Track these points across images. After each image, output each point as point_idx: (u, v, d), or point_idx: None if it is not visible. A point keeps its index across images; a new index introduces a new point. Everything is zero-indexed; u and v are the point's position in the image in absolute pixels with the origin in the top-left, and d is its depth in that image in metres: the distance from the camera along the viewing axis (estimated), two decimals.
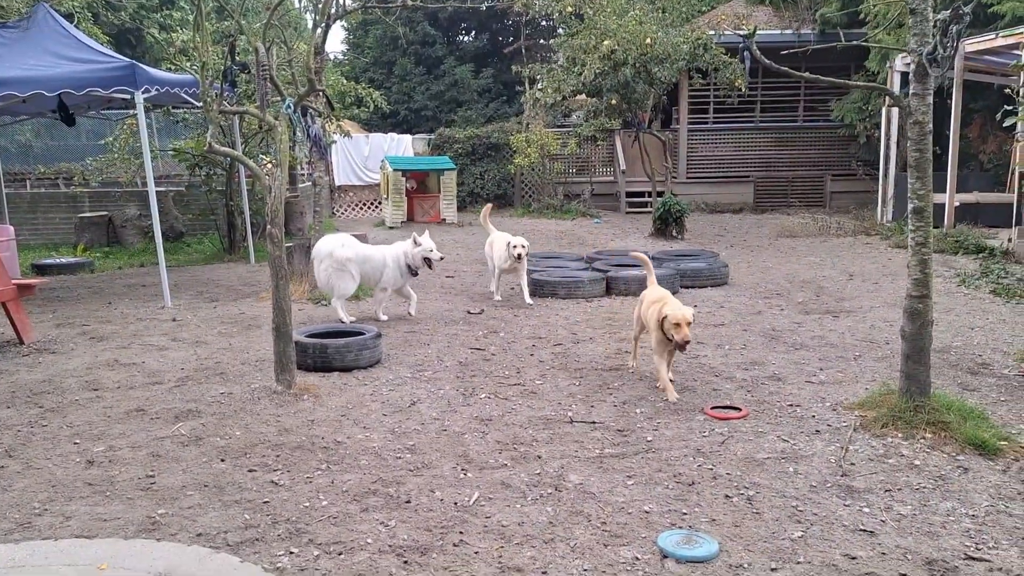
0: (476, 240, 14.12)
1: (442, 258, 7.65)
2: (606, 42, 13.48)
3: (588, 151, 19.67)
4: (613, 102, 14.60)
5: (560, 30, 18.96)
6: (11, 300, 6.87)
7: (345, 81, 15.80)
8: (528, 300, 8.57)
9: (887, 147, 14.81)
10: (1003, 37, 11.29)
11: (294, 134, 7.93)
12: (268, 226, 5.23)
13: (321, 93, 8.19)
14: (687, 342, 5.00)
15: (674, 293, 8.93)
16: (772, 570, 3.12)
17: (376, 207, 19.77)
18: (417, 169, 17.50)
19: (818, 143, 19.69)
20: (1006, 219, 11.52)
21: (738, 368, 5.98)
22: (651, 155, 15.42)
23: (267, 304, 5.92)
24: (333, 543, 3.36)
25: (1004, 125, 5.54)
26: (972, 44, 12.01)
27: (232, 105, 8.58)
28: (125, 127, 13.60)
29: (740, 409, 4.98)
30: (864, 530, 3.44)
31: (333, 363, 5.96)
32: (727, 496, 3.81)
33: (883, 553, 3.24)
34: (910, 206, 4.48)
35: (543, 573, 3.14)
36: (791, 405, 5.10)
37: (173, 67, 11.91)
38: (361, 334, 6.25)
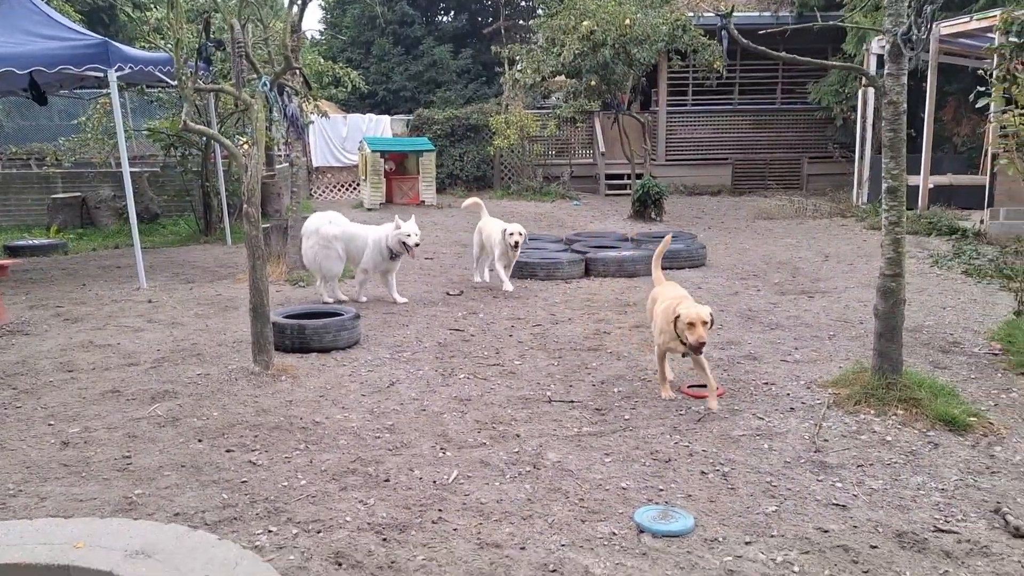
0: (456, 223, 14.09)
1: (417, 244, 7.48)
2: (585, 23, 13.44)
3: (568, 133, 19.64)
4: (592, 83, 14.58)
5: (539, 10, 18.89)
6: None
7: (322, 61, 15.59)
8: (508, 287, 8.31)
9: (863, 129, 14.93)
10: (977, 20, 11.40)
11: (270, 113, 7.85)
12: (244, 206, 5.19)
13: (298, 71, 8.09)
14: (702, 344, 4.56)
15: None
16: (746, 543, 3.18)
17: (354, 189, 19.63)
18: (396, 150, 17.38)
19: (795, 126, 19.82)
20: (979, 201, 11.68)
21: (715, 348, 6.03)
22: (630, 137, 15.44)
23: (244, 285, 5.88)
24: (312, 521, 3.37)
25: (977, 107, 5.60)
26: (947, 27, 12.11)
27: (207, 83, 8.46)
28: (98, 106, 13.37)
29: (716, 388, 5.02)
30: (836, 504, 3.50)
31: (311, 344, 5.94)
32: (703, 472, 3.86)
33: (855, 526, 3.31)
34: (884, 186, 4.53)
35: (521, 548, 3.17)
36: (766, 384, 5.16)
37: (147, 45, 11.69)
38: (339, 315, 6.23)
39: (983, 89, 5.53)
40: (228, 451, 4.13)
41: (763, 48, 4.74)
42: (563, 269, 9.00)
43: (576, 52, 13.68)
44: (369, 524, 3.35)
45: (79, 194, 14.15)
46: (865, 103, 14.93)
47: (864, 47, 14.61)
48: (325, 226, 7.57)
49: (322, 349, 5.95)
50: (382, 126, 20.38)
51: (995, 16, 10.67)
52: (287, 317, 6.20)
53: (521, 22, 28.18)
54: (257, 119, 5.38)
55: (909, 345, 5.40)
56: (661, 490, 3.67)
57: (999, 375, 5.27)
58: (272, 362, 5.39)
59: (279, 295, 7.85)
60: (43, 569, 2.62)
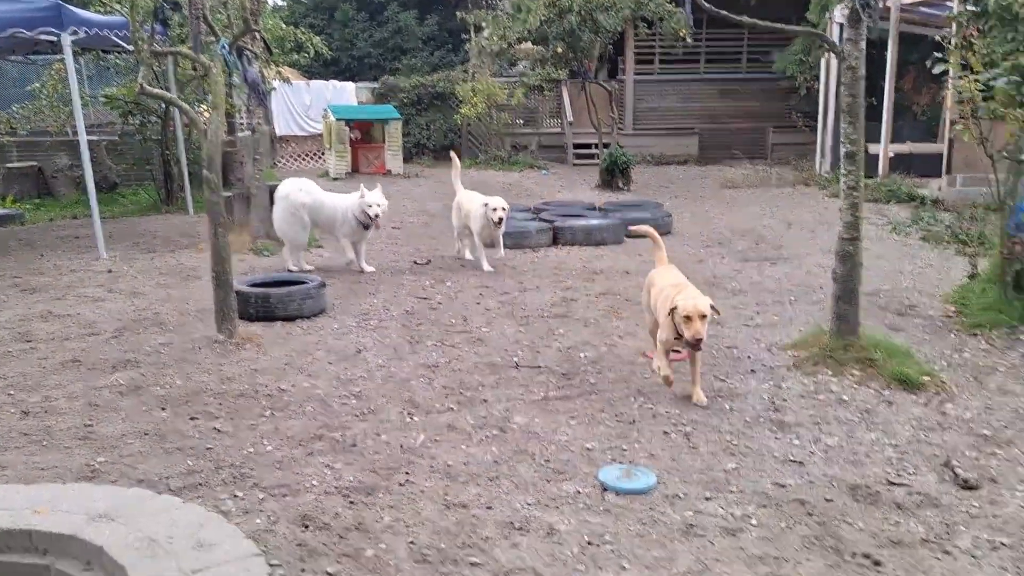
0: (423, 192, 14.01)
1: (378, 215, 7.28)
2: None
3: (535, 102, 19.51)
4: (559, 50, 14.48)
5: None
6: None
7: (284, 26, 15.25)
8: (488, 265, 7.73)
9: (826, 98, 15.06)
10: None
11: (230, 78, 7.69)
12: (204, 171, 5.10)
13: (257, 35, 7.92)
14: (699, 340, 4.09)
15: (619, 243, 9.06)
16: (706, 499, 3.26)
17: (319, 158, 19.34)
18: (361, 119, 17.15)
19: (761, 95, 19.89)
20: (937, 168, 11.89)
21: None
22: (597, 105, 15.38)
23: (207, 255, 5.80)
24: (278, 486, 3.38)
25: (934, 72, 5.69)
26: None
27: (164, 47, 8.24)
28: (53, 72, 12.96)
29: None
30: (794, 460, 3.60)
31: (276, 312, 5.90)
32: (665, 432, 3.94)
33: (811, 481, 3.41)
34: (843, 150, 4.60)
35: (488, 508, 3.21)
36: (729, 347, 5.25)
37: (103, 9, 11.33)
38: (304, 283, 6.19)
39: (940, 56, 5.62)
40: (192, 419, 4.11)
41: (724, 12, 4.75)
42: (531, 238, 9.01)
43: (542, 18, 13.56)
44: (336, 488, 3.37)
45: (35, 163, 13.77)
46: (828, 72, 15.03)
47: (827, 15, 14.69)
48: (295, 193, 7.50)
49: (287, 318, 5.91)
50: (347, 94, 20.06)
51: None
52: (252, 285, 6.14)
53: None
54: (216, 83, 5.27)
55: (867, 309, 5.52)
56: (625, 450, 3.74)
57: (952, 336, 5.43)
58: (236, 330, 5.35)
59: (243, 264, 7.76)
60: (3, 534, 2.60)
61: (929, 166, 12.51)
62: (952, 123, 10.27)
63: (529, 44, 16.17)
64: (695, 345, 4.13)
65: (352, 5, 27.43)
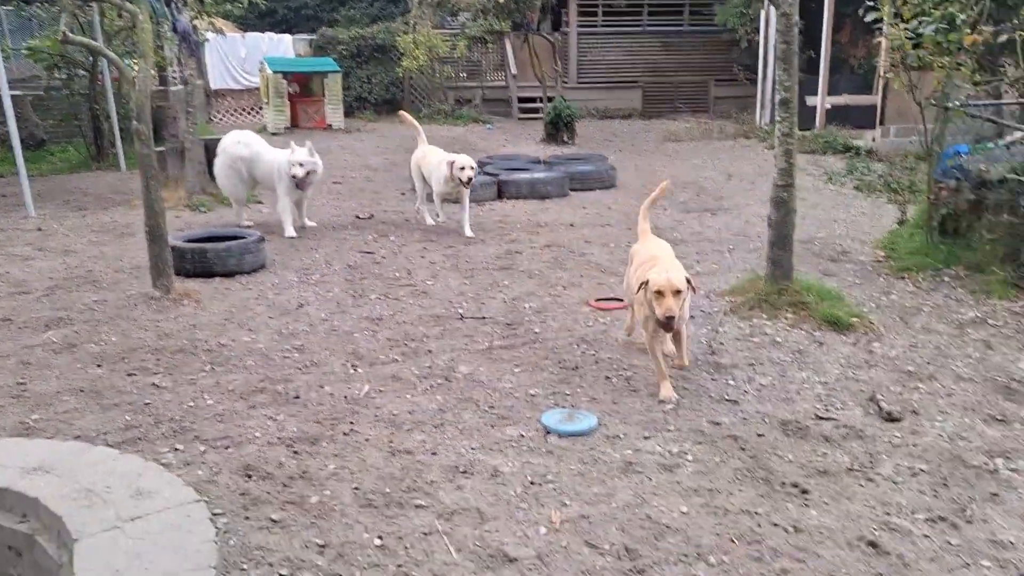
0: (364, 146, 13.76)
1: (296, 175, 6.85)
2: None
3: (479, 55, 19.24)
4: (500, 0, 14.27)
5: None
6: None
7: None
8: (468, 232, 7.25)
9: (765, 50, 15.20)
10: None
11: (159, 27, 7.40)
12: (134, 123, 4.93)
13: None
14: (670, 318, 3.59)
15: (564, 196, 9.09)
16: (645, 438, 3.36)
17: (257, 112, 18.80)
18: (299, 71, 16.69)
19: (703, 48, 19.96)
20: (872, 120, 12.18)
21: (622, 264, 6.16)
22: (541, 58, 15.28)
23: (140, 212, 5.62)
24: (220, 439, 3.36)
25: (866, 21, 5.79)
26: None
27: None
28: None
29: (621, 300, 5.19)
30: (728, 400, 3.73)
31: (214, 268, 5.79)
32: (607, 378, 4.02)
33: (744, 418, 3.53)
34: (776, 98, 4.68)
35: (433, 454, 3.26)
36: None
37: None
38: (242, 238, 6.07)
39: (871, 4, 5.72)
40: (129, 375, 4.04)
41: None
42: (475, 192, 8.94)
43: None
44: (279, 439, 3.37)
45: None
46: (768, 24, 15.14)
47: None
48: (233, 146, 7.29)
49: (226, 273, 5.81)
50: (284, 46, 19.43)
51: None
52: (189, 241, 6.00)
53: None
54: (144, 30, 5.07)
55: (801, 255, 5.68)
56: (568, 395, 3.81)
57: (881, 280, 5.63)
58: (173, 286, 5.24)
59: (179, 221, 7.56)
60: None
61: (865, 118, 12.79)
62: (883, 72, 10.50)
63: None
64: (666, 325, 3.66)
65: None
